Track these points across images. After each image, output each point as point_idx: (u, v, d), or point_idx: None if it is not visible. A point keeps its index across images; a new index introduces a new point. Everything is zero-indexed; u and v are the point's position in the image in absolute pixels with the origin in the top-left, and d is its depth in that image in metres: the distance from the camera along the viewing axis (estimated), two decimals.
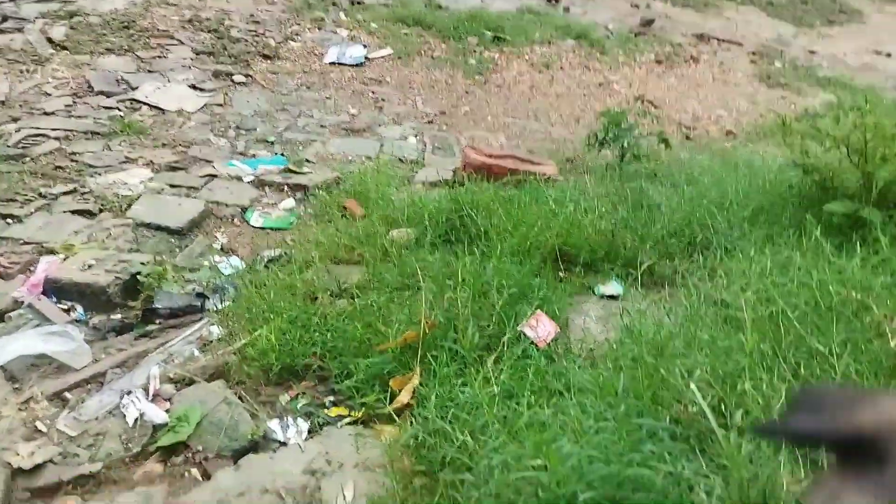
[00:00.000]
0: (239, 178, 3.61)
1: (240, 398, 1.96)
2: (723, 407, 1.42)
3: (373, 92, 5.08)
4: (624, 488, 1.18)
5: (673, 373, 1.53)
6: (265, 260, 2.78)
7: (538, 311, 2.18)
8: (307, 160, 3.80)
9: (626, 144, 4.10)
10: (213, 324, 2.32)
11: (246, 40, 5.78)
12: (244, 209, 3.32)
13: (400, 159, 3.97)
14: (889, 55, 9.54)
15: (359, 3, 6.96)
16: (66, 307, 2.43)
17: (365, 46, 5.79)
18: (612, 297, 2.58)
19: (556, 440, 1.22)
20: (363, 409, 1.87)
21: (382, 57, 5.75)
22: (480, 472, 1.42)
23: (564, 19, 7.93)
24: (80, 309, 2.43)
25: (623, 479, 1.15)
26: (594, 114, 5.17)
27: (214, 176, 3.60)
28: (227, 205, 3.32)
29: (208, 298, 2.51)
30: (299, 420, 1.88)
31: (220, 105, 4.62)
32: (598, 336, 2.17)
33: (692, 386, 1.42)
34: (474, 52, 6.37)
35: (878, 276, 1.96)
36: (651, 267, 2.67)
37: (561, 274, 2.64)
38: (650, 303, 2.31)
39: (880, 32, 10.47)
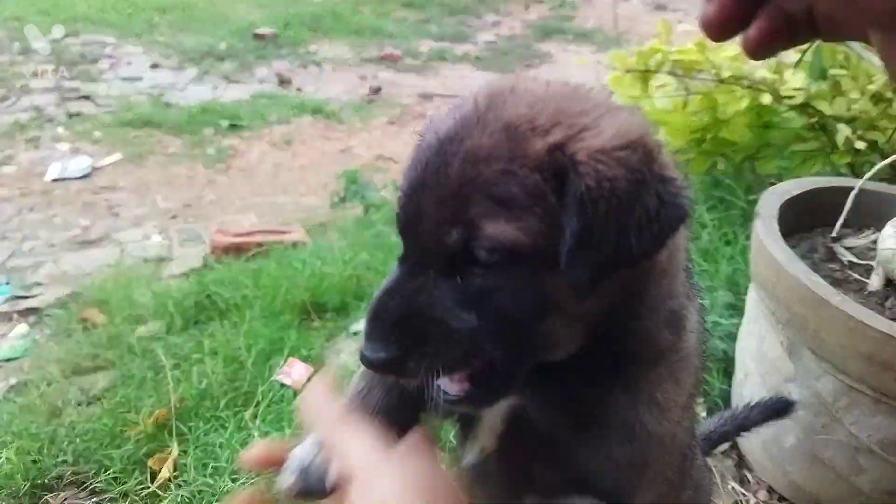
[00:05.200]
0: None
1: None
2: None
3: (105, 200, 4.89)
4: None
5: None
6: (1, 391, 2.57)
7: (290, 359, 2.32)
8: (37, 283, 3.56)
9: (365, 198, 4.48)
10: None
11: None
12: None
13: (144, 260, 3.89)
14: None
15: (77, 114, 6.67)
16: None
17: (90, 157, 5.57)
18: None
19: None
20: (126, 498, 1.84)
21: (111, 164, 5.56)
22: None
23: (299, 98, 8.32)
24: None
25: None
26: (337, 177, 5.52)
27: None
28: None
29: None
30: None
31: None
32: (352, 366, 2.38)
33: None
34: (212, 142, 6.43)
35: None
36: None
37: (315, 323, 2.82)
38: None
39: (568, 69, 12.51)
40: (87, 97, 7.11)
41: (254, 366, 2.24)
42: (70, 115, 6.68)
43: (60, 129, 6.31)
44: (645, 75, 2.64)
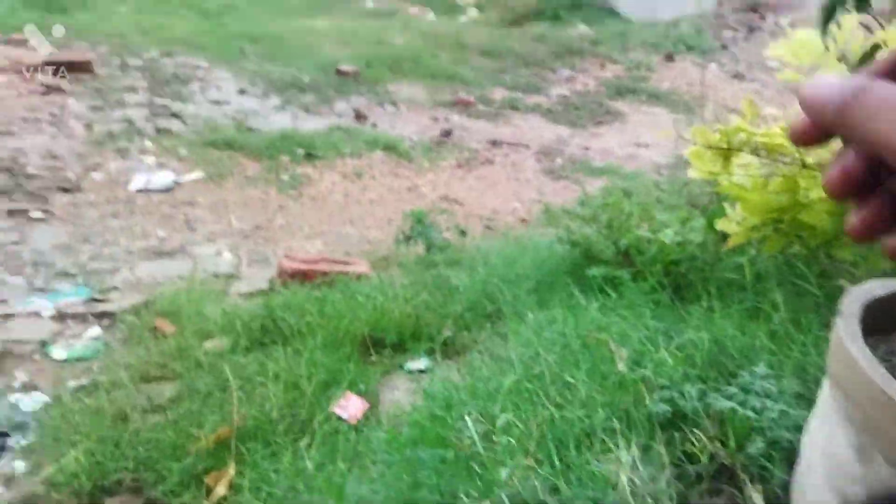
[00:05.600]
0: (38, 314, 3.48)
1: None
2: (492, 435, 1.71)
3: (184, 214, 5.14)
4: None
5: (454, 417, 1.79)
6: (71, 390, 2.70)
7: (347, 392, 2.37)
8: (114, 287, 3.76)
9: (428, 238, 4.57)
10: (16, 459, 2.23)
11: (43, 176, 5.61)
12: (45, 344, 3.20)
13: (215, 275, 4.05)
14: (647, 146, 11.47)
15: (165, 131, 7.06)
16: None
17: (173, 172, 5.87)
18: (421, 371, 2.84)
19: (338, 483, 1.41)
20: None
21: (193, 181, 5.85)
22: None
23: (372, 134, 8.60)
24: None
25: (405, 501, 1.36)
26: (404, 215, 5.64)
27: (11, 315, 3.44)
28: (25, 342, 3.18)
29: (10, 436, 2.41)
30: None
31: (16, 243, 4.41)
32: (405, 405, 2.40)
33: (467, 421, 1.69)
34: (287, 168, 6.69)
35: (615, 318, 2.44)
36: (452, 339, 3.01)
37: (372, 357, 2.87)
38: (450, 368, 2.61)
39: (638, 129, 12.50)
40: (175, 115, 7.52)
41: (313, 395, 2.29)
42: (158, 131, 7.07)
43: (148, 143, 6.69)
44: (726, 153, 2.64)
